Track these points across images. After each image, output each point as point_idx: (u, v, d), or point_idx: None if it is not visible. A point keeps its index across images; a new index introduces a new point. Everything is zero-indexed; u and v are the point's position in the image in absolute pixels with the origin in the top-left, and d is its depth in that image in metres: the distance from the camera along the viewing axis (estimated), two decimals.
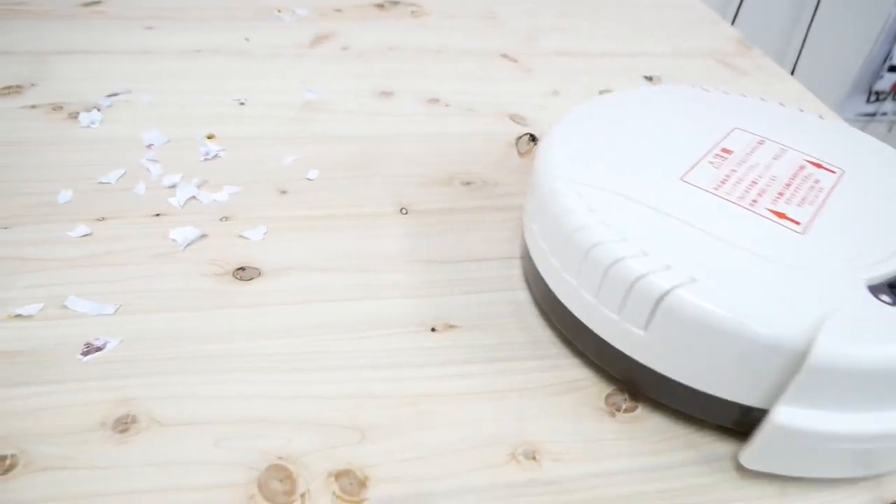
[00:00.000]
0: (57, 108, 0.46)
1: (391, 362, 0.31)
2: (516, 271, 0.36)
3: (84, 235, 0.36)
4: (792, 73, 1.29)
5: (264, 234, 0.37)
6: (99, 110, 0.46)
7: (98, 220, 0.37)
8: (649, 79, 0.55)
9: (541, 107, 0.50)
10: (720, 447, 0.29)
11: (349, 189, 0.41)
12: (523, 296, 0.35)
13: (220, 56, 0.53)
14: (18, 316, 0.32)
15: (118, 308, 0.32)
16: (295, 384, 0.30)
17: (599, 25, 0.63)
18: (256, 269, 0.35)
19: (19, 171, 0.40)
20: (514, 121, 0.49)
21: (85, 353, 0.30)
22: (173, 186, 0.40)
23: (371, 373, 0.31)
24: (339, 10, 0.61)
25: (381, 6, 0.63)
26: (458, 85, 0.52)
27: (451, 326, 0.33)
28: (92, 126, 0.44)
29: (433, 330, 0.33)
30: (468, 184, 0.42)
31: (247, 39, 0.56)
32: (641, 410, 0.30)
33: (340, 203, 0.40)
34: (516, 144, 0.46)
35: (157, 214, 0.38)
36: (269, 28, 0.57)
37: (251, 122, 0.46)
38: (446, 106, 0.50)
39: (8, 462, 0.26)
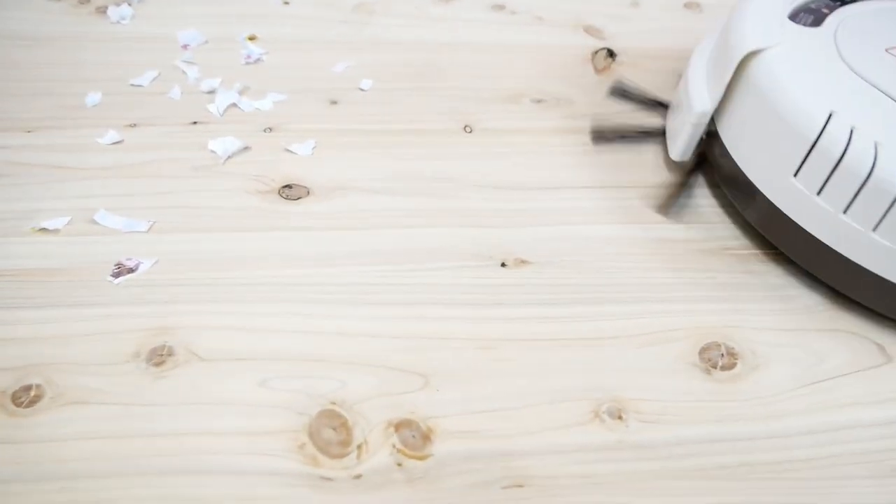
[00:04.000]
0: (84, 1, 0.42)
1: (458, 299, 0.27)
2: (594, 203, 0.32)
3: (115, 143, 0.33)
4: None
5: (313, 148, 0.33)
6: (129, 4, 0.41)
7: (130, 126, 0.34)
8: None
9: (619, 18, 0.45)
10: (826, 416, 0.25)
11: (406, 102, 0.37)
12: (605, 231, 0.31)
13: None
14: (44, 230, 0.28)
15: (152, 225, 0.29)
16: (350, 319, 0.26)
17: None
18: (305, 187, 0.31)
19: (43, 69, 0.37)
20: (590, 33, 0.43)
21: (116, 275, 0.27)
22: (212, 92, 0.36)
23: (435, 310, 0.27)
24: None
25: None
26: None
27: (523, 262, 0.29)
28: (122, 22, 0.40)
29: (503, 265, 0.29)
30: (539, 101, 0.38)
31: None
32: (741, 368, 0.26)
33: (397, 118, 0.36)
34: (592, 60, 0.41)
35: (195, 122, 0.34)
36: None
37: (297, 23, 0.41)
38: (513, 13, 0.44)
39: (33, 393, 0.23)
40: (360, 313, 0.27)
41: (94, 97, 0.35)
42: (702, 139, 0.31)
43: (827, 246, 0.27)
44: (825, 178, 0.26)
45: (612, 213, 0.32)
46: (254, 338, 0.26)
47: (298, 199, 0.31)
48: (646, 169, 0.34)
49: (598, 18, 0.44)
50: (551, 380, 0.25)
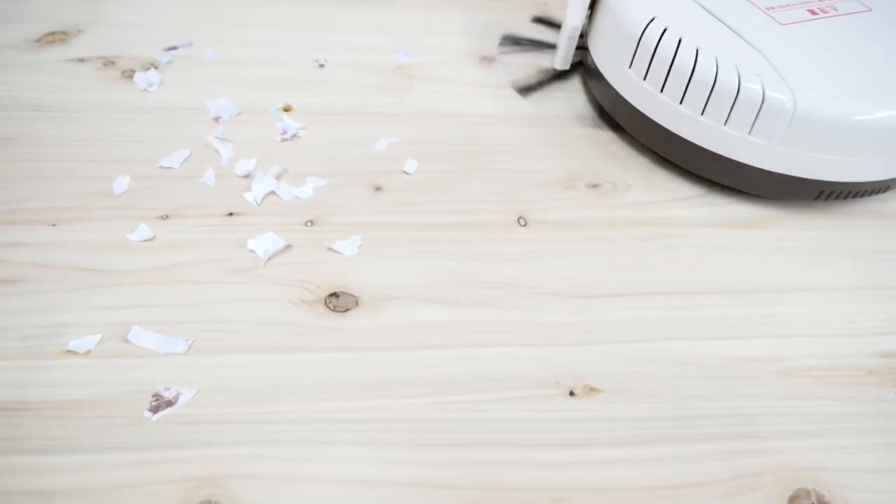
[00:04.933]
0: (108, 62, 0.39)
1: (523, 440, 0.25)
2: (666, 313, 0.30)
3: (146, 240, 0.30)
4: None
5: (359, 247, 0.31)
6: (156, 68, 0.39)
7: (161, 217, 0.31)
8: None
9: None
10: None
11: (453, 188, 0.34)
12: (680, 349, 0.28)
13: (293, 1, 0.45)
14: (72, 352, 0.26)
15: (191, 345, 0.27)
16: (406, 466, 0.24)
17: None
18: (352, 296, 0.29)
19: (67, 146, 0.34)
20: None
21: (154, 409, 0.25)
22: (247, 176, 0.33)
23: (499, 453, 0.25)
24: None
25: None
26: None
27: (594, 390, 0.27)
28: (149, 89, 0.38)
29: (572, 394, 0.27)
30: (595, 186, 0.35)
31: None
32: None
33: (445, 207, 0.33)
34: None
35: (231, 214, 0.32)
36: None
37: (333, 90, 0.39)
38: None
39: None
40: (416, 458, 0.24)
41: (122, 182, 0.33)
42: (584, 51, 0.40)
43: (652, 120, 0.35)
44: (646, 67, 0.34)
45: (685, 326, 0.29)
46: (305, 490, 0.23)
47: (346, 310, 0.29)
48: (707, 269, 0.32)
49: None
50: None
